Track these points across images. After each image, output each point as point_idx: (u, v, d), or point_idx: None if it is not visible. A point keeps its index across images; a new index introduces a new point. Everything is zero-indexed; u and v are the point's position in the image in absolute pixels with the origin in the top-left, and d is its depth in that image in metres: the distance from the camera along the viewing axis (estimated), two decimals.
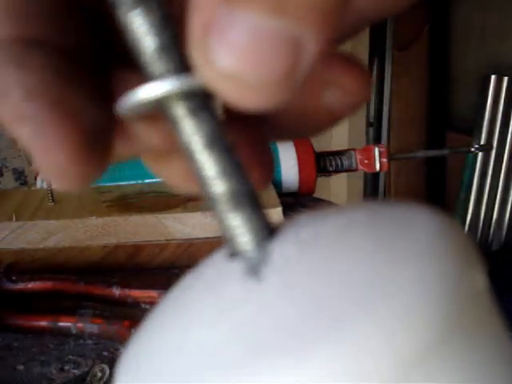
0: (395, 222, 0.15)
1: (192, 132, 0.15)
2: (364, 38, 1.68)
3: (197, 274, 0.17)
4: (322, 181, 1.66)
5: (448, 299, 0.13)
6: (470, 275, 0.14)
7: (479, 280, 0.14)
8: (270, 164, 0.19)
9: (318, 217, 0.17)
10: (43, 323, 0.51)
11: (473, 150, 1.03)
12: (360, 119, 1.82)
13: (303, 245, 0.15)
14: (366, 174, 1.88)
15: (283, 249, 0.15)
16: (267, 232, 0.16)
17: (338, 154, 0.83)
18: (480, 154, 1.75)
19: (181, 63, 0.14)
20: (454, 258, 0.14)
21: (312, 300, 0.13)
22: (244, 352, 0.13)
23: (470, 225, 1.83)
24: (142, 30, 0.14)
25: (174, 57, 0.14)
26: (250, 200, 0.15)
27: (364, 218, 0.16)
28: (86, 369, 0.48)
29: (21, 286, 0.55)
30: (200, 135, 0.15)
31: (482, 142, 1.73)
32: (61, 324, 0.51)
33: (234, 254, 0.16)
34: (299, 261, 0.15)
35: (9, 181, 1.03)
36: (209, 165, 0.15)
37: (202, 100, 0.14)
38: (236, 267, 0.16)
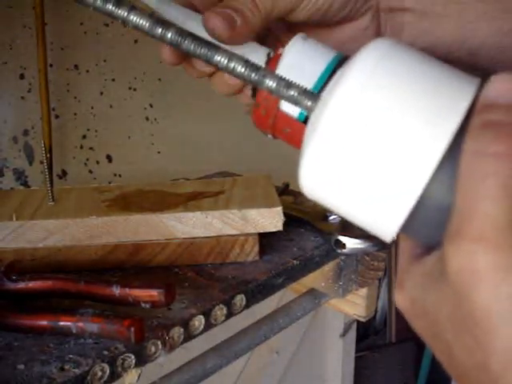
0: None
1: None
2: None
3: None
4: None
5: None
6: None
7: None
8: None
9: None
10: (43, 322, 0.51)
11: None
12: None
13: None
14: None
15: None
16: None
17: None
18: None
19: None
20: None
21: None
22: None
23: None
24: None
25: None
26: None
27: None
28: (87, 368, 0.48)
29: (21, 285, 0.55)
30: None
31: None
32: (61, 323, 0.51)
33: None
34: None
35: (9, 181, 1.03)
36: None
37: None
38: None
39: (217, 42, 0.30)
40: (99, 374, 0.49)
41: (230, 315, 0.59)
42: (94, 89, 1.13)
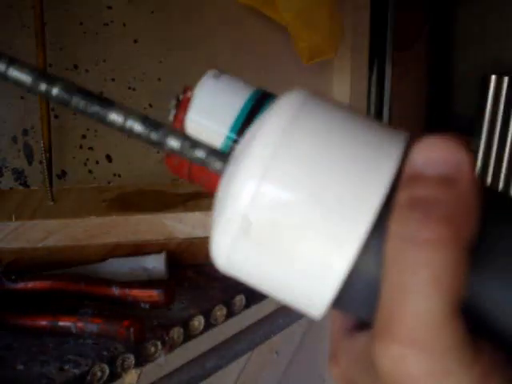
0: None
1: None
2: (364, 39, 1.68)
3: None
4: None
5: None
6: None
7: None
8: None
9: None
10: (43, 323, 0.51)
11: None
12: None
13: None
14: None
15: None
16: None
17: None
18: (480, 154, 1.75)
19: None
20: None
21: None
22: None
23: None
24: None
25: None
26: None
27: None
28: (86, 368, 0.48)
29: (21, 285, 0.54)
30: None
31: (483, 142, 1.73)
32: (61, 323, 0.51)
33: None
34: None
35: (8, 181, 1.03)
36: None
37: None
38: None
39: (110, 99, 0.26)
40: (99, 374, 0.49)
41: (229, 315, 0.59)
42: (93, 89, 1.12)
